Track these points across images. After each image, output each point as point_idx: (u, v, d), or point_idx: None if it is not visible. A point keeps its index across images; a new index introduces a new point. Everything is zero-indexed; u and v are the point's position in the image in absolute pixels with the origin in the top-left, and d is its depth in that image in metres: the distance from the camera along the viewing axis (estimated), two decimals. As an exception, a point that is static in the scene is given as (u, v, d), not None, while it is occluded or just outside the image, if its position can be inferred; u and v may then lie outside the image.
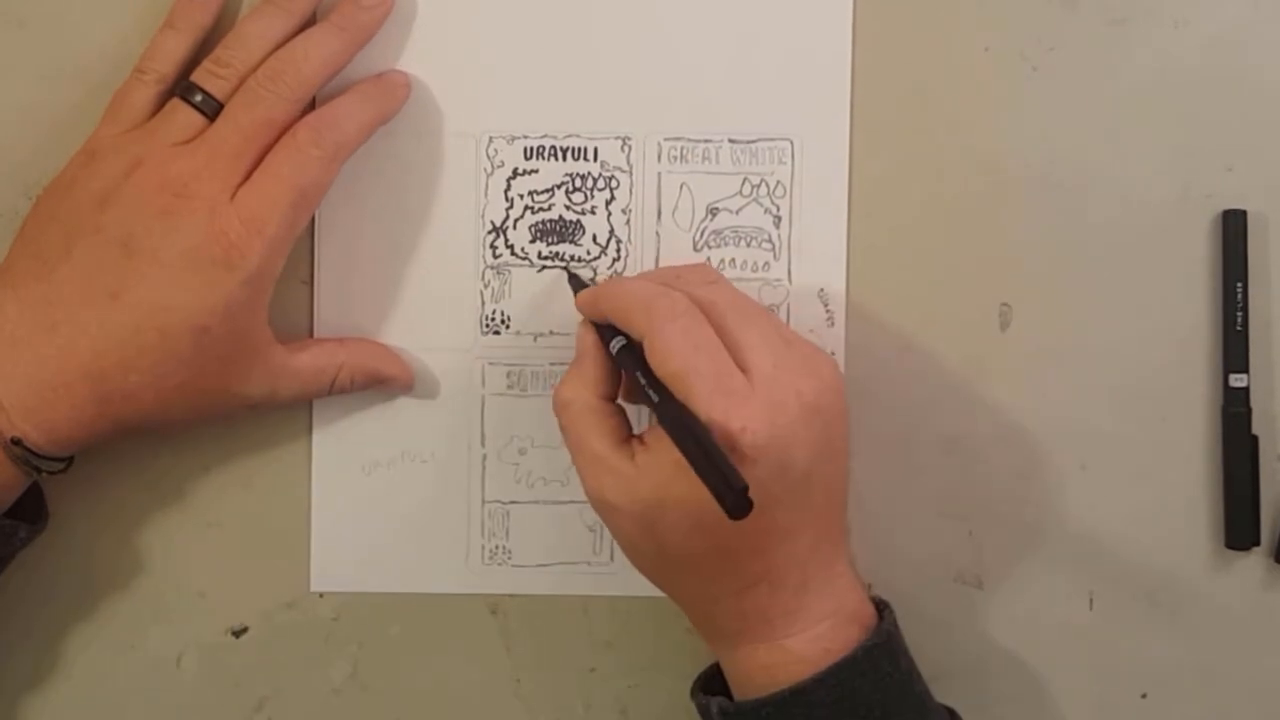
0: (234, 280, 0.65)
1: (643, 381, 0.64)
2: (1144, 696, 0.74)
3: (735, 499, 0.58)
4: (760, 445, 0.61)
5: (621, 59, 0.72)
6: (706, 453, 0.59)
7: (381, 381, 0.71)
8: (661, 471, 0.62)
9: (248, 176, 0.66)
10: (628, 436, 0.66)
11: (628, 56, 0.72)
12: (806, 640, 0.65)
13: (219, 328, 0.65)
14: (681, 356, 0.62)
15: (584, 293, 0.68)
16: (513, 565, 0.73)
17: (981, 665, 0.74)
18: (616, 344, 0.66)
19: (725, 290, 0.66)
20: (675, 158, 0.72)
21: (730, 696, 0.68)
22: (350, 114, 0.68)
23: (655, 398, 0.63)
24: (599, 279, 0.72)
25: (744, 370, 0.63)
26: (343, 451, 0.73)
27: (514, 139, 0.72)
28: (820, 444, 0.64)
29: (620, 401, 0.67)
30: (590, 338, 0.67)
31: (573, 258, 0.72)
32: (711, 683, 0.69)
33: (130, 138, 0.67)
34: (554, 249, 0.72)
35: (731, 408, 0.61)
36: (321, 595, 0.74)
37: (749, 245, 0.72)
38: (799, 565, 0.65)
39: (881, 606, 0.68)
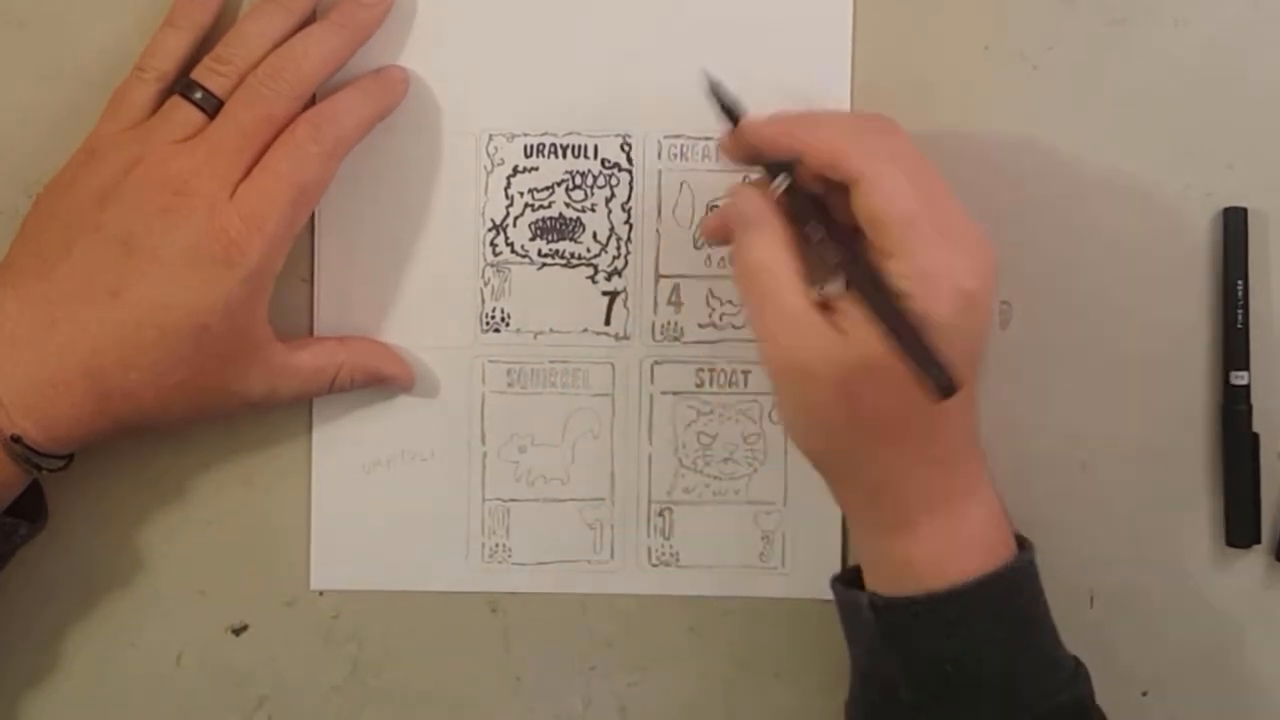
0: (234, 278, 0.65)
1: (822, 234, 0.62)
2: (1144, 695, 0.74)
3: (942, 382, 0.58)
4: (981, 294, 0.61)
5: (622, 57, 0.72)
6: (910, 326, 0.58)
7: (382, 380, 0.71)
8: (868, 334, 0.60)
9: (247, 174, 0.66)
10: (815, 302, 0.63)
11: (628, 54, 0.72)
12: (978, 524, 0.64)
13: (219, 325, 0.65)
14: (910, 200, 0.60)
15: (762, 125, 0.65)
16: (513, 563, 0.73)
17: (982, 665, 0.73)
18: (782, 182, 0.63)
19: (909, 143, 0.64)
20: (675, 155, 0.72)
21: None
22: (349, 110, 0.68)
23: (850, 255, 0.61)
24: (608, 271, 0.72)
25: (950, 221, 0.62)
26: (343, 450, 0.73)
27: (514, 136, 0.72)
28: (995, 302, 0.64)
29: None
30: (760, 195, 0.63)
31: (573, 255, 0.72)
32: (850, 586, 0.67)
33: (130, 135, 0.67)
34: (554, 247, 0.72)
35: (955, 253, 0.60)
36: (321, 593, 0.74)
37: (749, 243, 0.72)
38: (973, 437, 0.65)
39: (1021, 543, 0.67)
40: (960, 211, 0.62)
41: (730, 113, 0.66)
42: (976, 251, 0.61)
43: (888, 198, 0.61)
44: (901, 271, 0.60)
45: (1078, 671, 0.66)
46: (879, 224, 0.61)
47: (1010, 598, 0.64)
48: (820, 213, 0.62)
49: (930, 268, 0.60)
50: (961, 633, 0.63)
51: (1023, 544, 0.67)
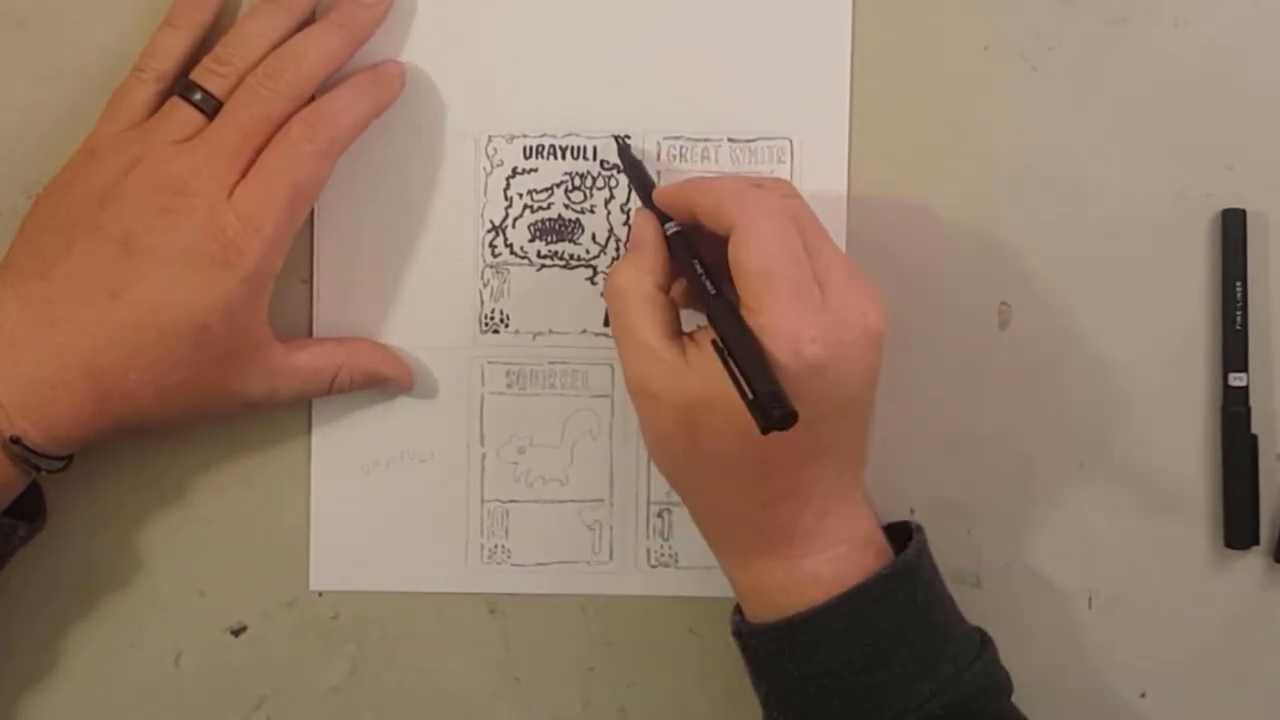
0: (233, 278, 0.65)
1: (699, 270, 0.64)
2: (1144, 696, 0.74)
3: (770, 415, 0.58)
4: (825, 359, 0.61)
5: (621, 58, 0.72)
6: (751, 359, 0.60)
7: (381, 381, 0.71)
8: (713, 368, 0.61)
9: (246, 174, 0.66)
10: (679, 331, 0.65)
11: (627, 55, 0.72)
12: (824, 562, 0.65)
13: (218, 326, 0.65)
14: (770, 255, 0.62)
15: (667, 186, 0.68)
16: (512, 564, 0.73)
17: (981, 665, 0.73)
18: (671, 228, 0.66)
19: (803, 205, 0.66)
20: (675, 156, 0.72)
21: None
22: (344, 108, 0.68)
23: (711, 290, 0.63)
24: (607, 272, 0.72)
25: (818, 285, 0.63)
26: (342, 450, 0.73)
27: (513, 138, 0.72)
28: (870, 371, 0.64)
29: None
30: (651, 226, 0.67)
31: (572, 256, 0.72)
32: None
33: (130, 136, 0.67)
34: (553, 248, 0.72)
35: (807, 315, 0.61)
36: (320, 594, 0.74)
37: (748, 244, 0.72)
38: (824, 487, 0.65)
39: (913, 530, 0.68)
40: (844, 280, 0.63)
41: (640, 182, 0.69)
42: (840, 324, 0.62)
43: (749, 250, 0.62)
44: (754, 325, 0.62)
45: (962, 672, 0.66)
46: (739, 274, 0.62)
47: (868, 610, 0.65)
48: (698, 250, 0.65)
49: (773, 325, 0.61)
50: (818, 656, 0.65)
51: (907, 540, 0.67)
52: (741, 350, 0.61)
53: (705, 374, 0.62)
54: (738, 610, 0.68)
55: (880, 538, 0.67)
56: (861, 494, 0.68)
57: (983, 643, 0.68)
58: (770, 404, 0.59)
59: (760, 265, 0.62)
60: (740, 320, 0.62)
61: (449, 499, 0.73)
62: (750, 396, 0.59)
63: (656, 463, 0.67)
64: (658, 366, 0.64)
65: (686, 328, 0.66)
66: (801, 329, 0.61)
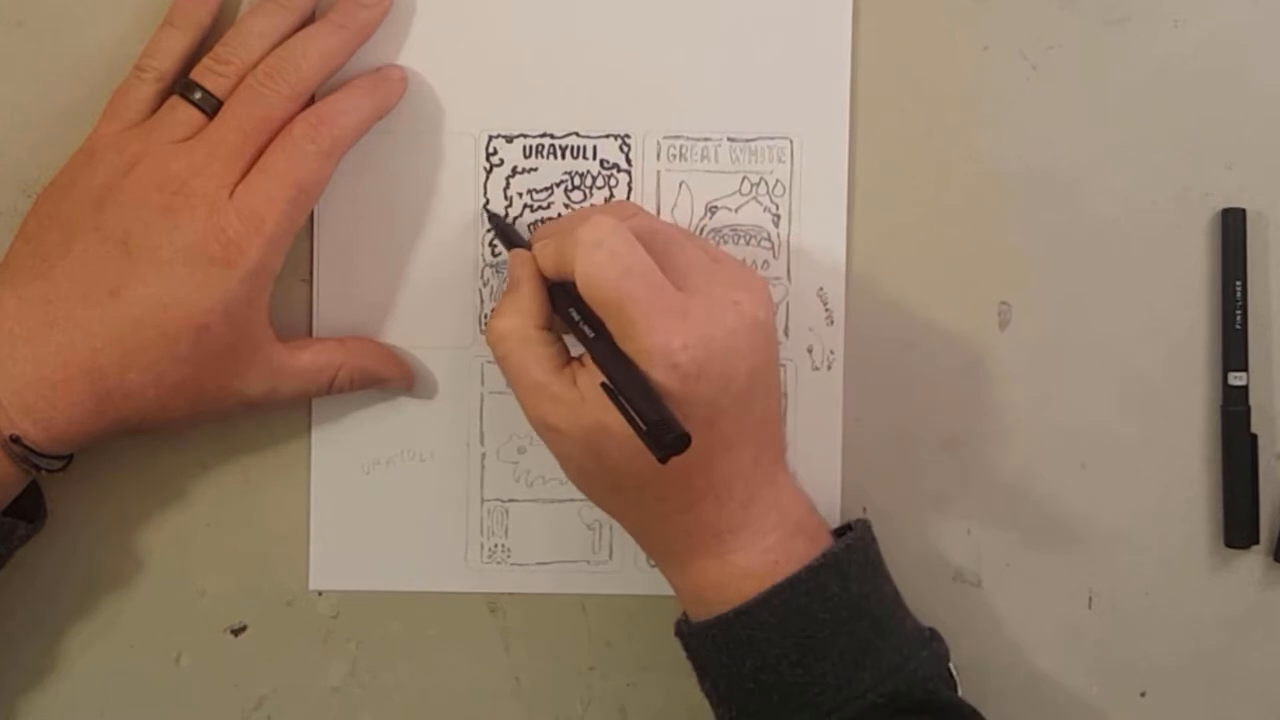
0: (233, 278, 0.65)
1: (576, 318, 0.64)
2: (1143, 696, 0.74)
3: (663, 444, 0.59)
4: (702, 359, 0.62)
5: (621, 58, 0.72)
6: (633, 393, 0.60)
7: (381, 381, 0.71)
8: (604, 397, 0.62)
9: (246, 174, 0.66)
10: (567, 360, 0.66)
11: (627, 55, 0.72)
12: (755, 554, 0.66)
13: (218, 325, 0.65)
14: (612, 284, 0.62)
15: (522, 253, 0.68)
16: (512, 564, 0.73)
17: (981, 665, 0.73)
18: (553, 289, 0.66)
19: (646, 218, 0.67)
20: (674, 156, 0.72)
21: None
22: (346, 109, 0.68)
23: (590, 334, 0.63)
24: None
25: (679, 289, 0.63)
26: (342, 450, 0.73)
27: (513, 137, 0.72)
28: (758, 354, 0.64)
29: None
30: (525, 268, 0.67)
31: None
32: None
33: (130, 135, 0.67)
34: (553, 247, 0.72)
35: (671, 326, 0.62)
36: (320, 594, 0.74)
37: (748, 244, 0.72)
38: (743, 478, 0.66)
39: (854, 525, 0.68)
40: (704, 275, 0.64)
41: (510, 241, 0.70)
42: (708, 321, 0.63)
43: (592, 287, 0.63)
44: (626, 351, 0.62)
45: (907, 660, 0.66)
46: (596, 311, 0.63)
47: (801, 601, 0.65)
48: (570, 289, 0.64)
49: (643, 346, 0.62)
50: (754, 651, 0.65)
51: (845, 530, 0.68)
52: (624, 386, 0.61)
53: (598, 401, 0.62)
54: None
55: (814, 521, 0.68)
56: (787, 476, 0.68)
57: (932, 638, 0.68)
58: (661, 432, 0.59)
59: (607, 297, 0.62)
60: (617, 355, 0.62)
61: (449, 498, 0.73)
62: (642, 430, 0.60)
63: (578, 488, 0.68)
64: (552, 403, 0.64)
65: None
66: (669, 340, 0.61)
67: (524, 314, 0.66)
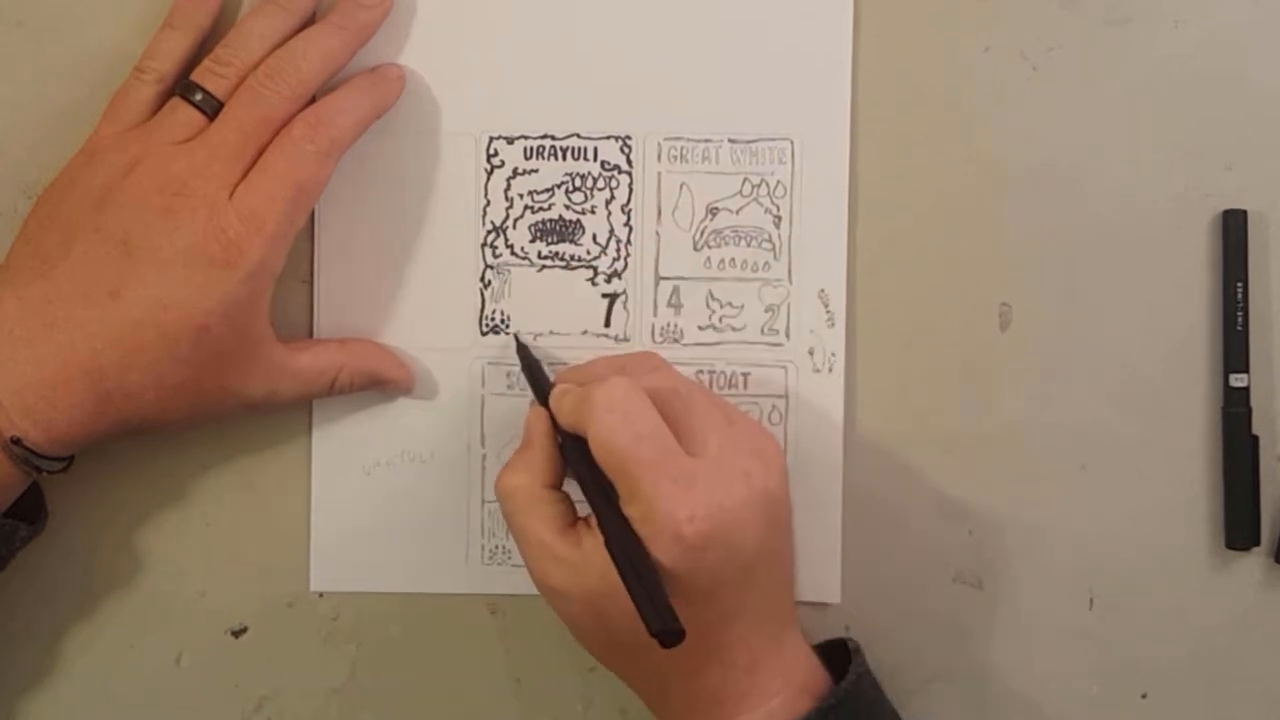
0: (233, 279, 0.65)
1: (587, 477, 0.64)
2: (1144, 696, 0.74)
3: (665, 633, 0.59)
4: (709, 532, 0.61)
5: (622, 59, 0.72)
6: (642, 579, 0.60)
7: (382, 383, 0.71)
8: (607, 563, 0.62)
9: (247, 175, 0.66)
10: (573, 520, 0.65)
11: (628, 56, 0.72)
12: (758, 718, 0.65)
13: (219, 326, 0.65)
14: (623, 447, 0.62)
15: (539, 410, 0.67)
16: (512, 565, 0.73)
17: (981, 665, 0.73)
18: (565, 440, 0.66)
19: (667, 375, 0.67)
20: (675, 157, 0.72)
21: None
22: (345, 109, 0.68)
23: (599, 496, 0.63)
24: (608, 273, 0.72)
25: (690, 454, 0.63)
26: (343, 451, 0.73)
27: (514, 139, 0.72)
28: (768, 524, 0.63)
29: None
30: (541, 425, 0.66)
31: (573, 257, 0.72)
32: None
33: (130, 137, 0.67)
34: (554, 249, 0.72)
35: (678, 495, 0.61)
36: (321, 595, 0.74)
37: (749, 245, 0.72)
38: (746, 645, 0.65)
39: (851, 654, 0.67)
40: (718, 443, 0.63)
41: (536, 383, 0.70)
42: (716, 491, 0.62)
43: (602, 450, 0.62)
44: (631, 515, 0.62)
45: None
46: (609, 474, 0.63)
47: None
48: (583, 448, 0.64)
49: (649, 514, 0.61)
50: None
51: (846, 665, 0.67)
52: (627, 563, 0.61)
53: (602, 566, 0.62)
54: None
55: (818, 678, 0.67)
56: (795, 636, 0.67)
57: None
58: (655, 624, 0.59)
59: (617, 461, 0.62)
60: (624, 527, 0.62)
61: (449, 500, 0.73)
62: (642, 609, 0.60)
63: (584, 647, 0.67)
64: (555, 564, 0.64)
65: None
66: (676, 510, 0.61)
67: (533, 472, 0.65)
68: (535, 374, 0.70)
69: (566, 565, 0.63)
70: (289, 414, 0.73)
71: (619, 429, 0.62)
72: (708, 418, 0.64)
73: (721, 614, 0.63)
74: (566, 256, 0.72)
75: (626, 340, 0.72)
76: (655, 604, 0.59)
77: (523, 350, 0.71)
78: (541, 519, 0.64)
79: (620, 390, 0.63)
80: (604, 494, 0.63)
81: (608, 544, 0.62)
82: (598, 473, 0.63)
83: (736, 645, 0.65)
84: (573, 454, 0.65)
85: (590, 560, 0.63)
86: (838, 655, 0.68)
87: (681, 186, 0.72)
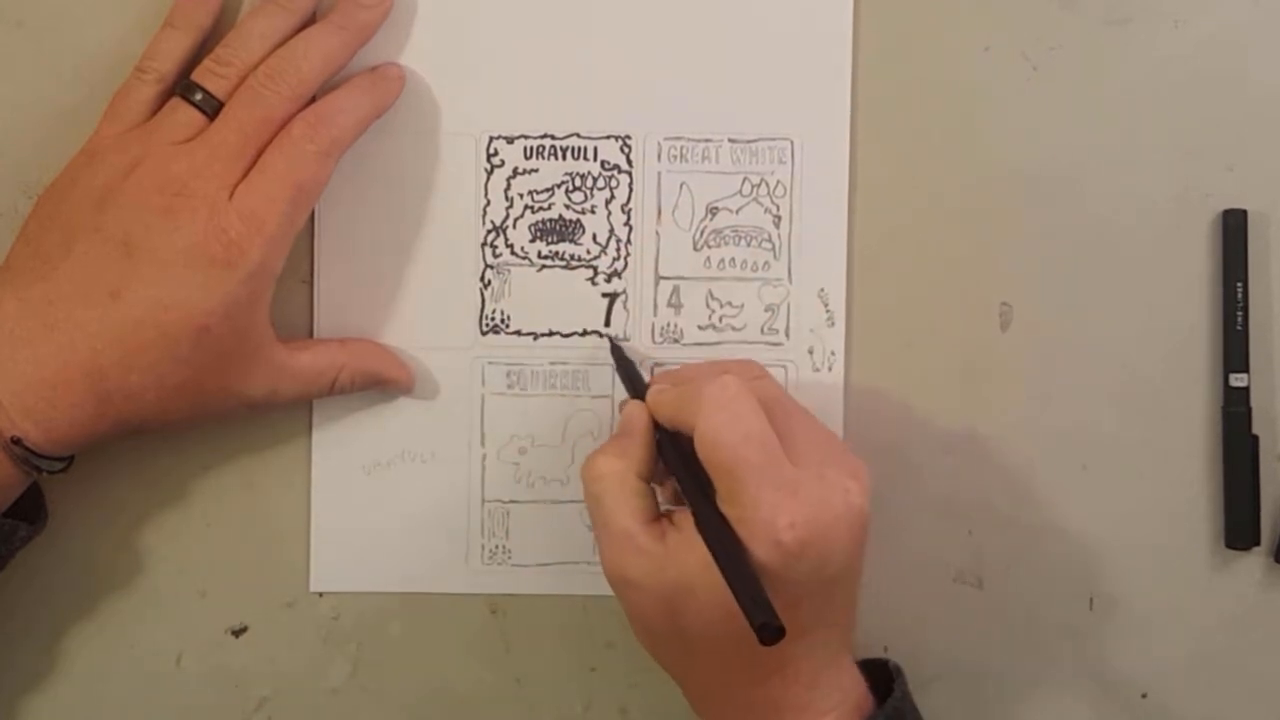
0: (234, 279, 0.65)
1: (684, 477, 0.64)
2: (1144, 696, 0.74)
3: (767, 627, 0.58)
4: (805, 541, 0.61)
5: (622, 59, 0.72)
6: (740, 572, 0.60)
7: (382, 382, 0.71)
8: (692, 555, 0.62)
9: (247, 175, 0.66)
10: (657, 515, 0.65)
11: (628, 56, 0.72)
12: None
13: (219, 327, 0.65)
14: (731, 446, 0.62)
15: (649, 405, 0.67)
16: (513, 565, 0.73)
17: (981, 665, 0.73)
18: (662, 436, 0.66)
19: (771, 385, 0.67)
20: (675, 157, 0.72)
21: None
22: (344, 108, 0.68)
23: (697, 498, 0.63)
24: (608, 272, 0.72)
25: (793, 463, 0.62)
26: (342, 451, 0.73)
27: (514, 138, 0.72)
28: (854, 544, 0.63)
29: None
30: (643, 417, 0.66)
31: (573, 257, 0.72)
32: None
33: (130, 137, 0.67)
34: (554, 248, 0.72)
35: (780, 501, 0.61)
36: (321, 595, 0.74)
37: (749, 245, 0.72)
38: (812, 658, 0.65)
39: (894, 674, 0.68)
40: (819, 456, 0.63)
41: (632, 382, 0.70)
42: (815, 503, 0.62)
43: (710, 448, 0.62)
44: (729, 516, 0.62)
45: None
46: (710, 472, 0.62)
47: None
48: (683, 444, 0.64)
49: (748, 516, 0.61)
50: None
51: (892, 684, 0.67)
52: (725, 558, 0.61)
53: (685, 561, 0.62)
54: None
55: (866, 699, 0.67)
56: (849, 658, 0.67)
57: None
58: (759, 617, 0.59)
59: (723, 461, 0.62)
60: (722, 523, 0.61)
61: (450, 500, 0.73)
62: (745, 605, 0.59)
63: (643, 645, 0.67)
64: (636, 555, 0.63)
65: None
66: (777, 517, 0.61)
67: (629, 460, 0.65)
68: (630, 372, 0.70)
69: (648, 558, 0.63)
70: (289, 414, 0.73)
71: (727, 427, 0.62)
72: (809, 431, 0.64)
73: (799, 626, 0.63)
74: (566, 256, 0.72)
75: (626, 340, 0.72)
76: (757, 599, 0.59)
77: (617, 350, 0.71)
78: (630, 508, 0.64)
79: (732, 389, 0.63)
80: (702, 490, 0.63)
81: (706, 539, 0.61)
82: (697, 469, 0.63)
83: (803, 659, 0.64)
84: (670, 449, 0.65)
85: (674, 555, 0.62)
86: (876, 674, 0.68)
87: (681, 186, 0.72)
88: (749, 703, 0.65)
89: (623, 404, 0.69)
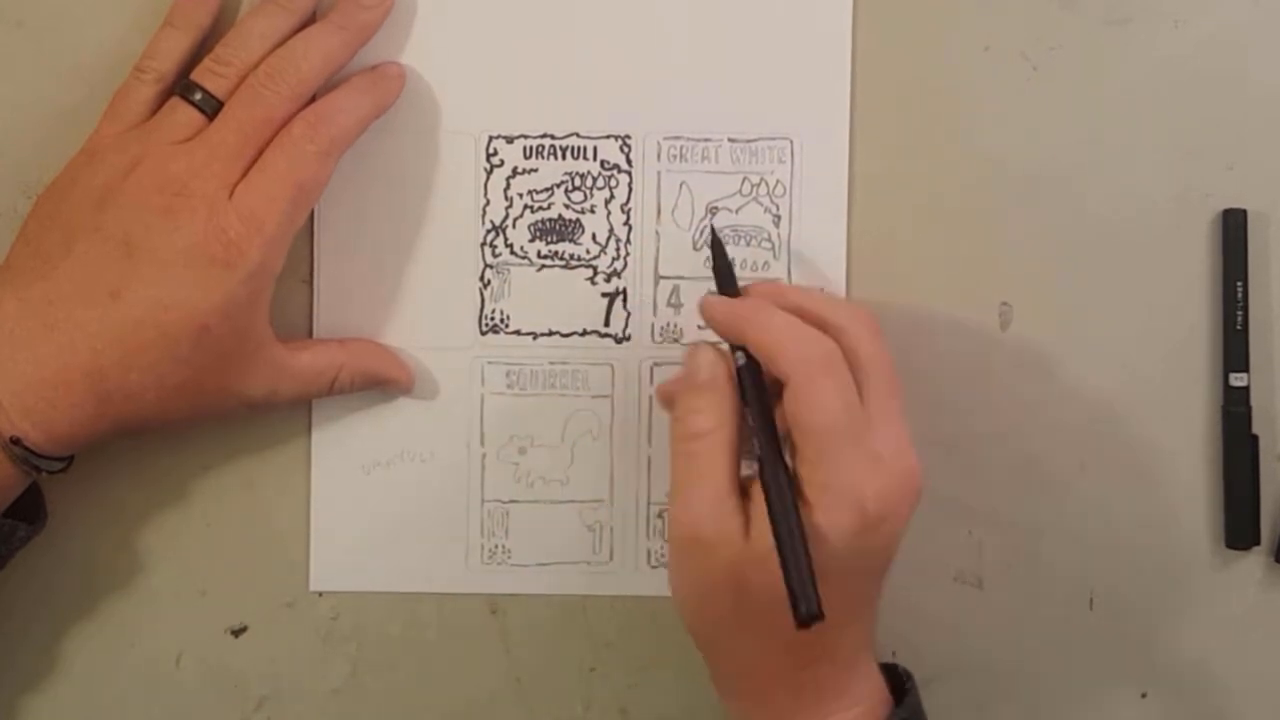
0: (234, 279, 0.65)
1: (753, 422, 0.63)
2: (1144, 696, 0.74)
3: (800, 614, 0.58)
4: (884, 514, 0.61)
5: (621, 58, 0.72)
6: (797, 549, 0.60)
7: (381, 382, 0.71)
8: (769, 530, 0.61)
9: (246, 175, 0.66)
10: (741, 481, 0.64)
11: (628, 56, 0.72)
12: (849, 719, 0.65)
13: (219, 326, 0.65)
14: (831, 413, 0.61)
15: (721, 306, 0.66)
16: (512, 565, 0.73)
17: (981, 665, 0.73)
18: (740, 357, 0.64)
19: (879, 349, 0.64)
20: (675, 156, 0.72)
21: None
22: (344, 108, 0.68)
23: (773, 455, 0.62)
24: (608, 272, 0.72)
25: (873, 435, 0.62)
26: (342, 451, 0.73)
27: (514, 138, 0.72)
28: (907, 525, 0.64)
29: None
30: (719, 360, 0.65)
31: (572, 256, 0.72)
32: None
33: (130, 136, 0.67)
34: (553, 248, 0.72)
35: (867, 473, 0.61)
36: (320, 595, 0.74)
37: (748, 244, 0.72)
38: (854, 644, 0.65)
39: (904, 678, 0.68)
40: (896, 433, 0.63)
41: (722, 277, 0.67)
42: (895, 476, 0.62)
43: (808, 407, 0.61)
44: (809, 479, 0.61)
45: None
46: (798, 430, 0.62)
47: None
48: (765, 397, 0.63)
49: (835, 482, 0.61)
50: None
51: (905, 684, 0.67)
52: (789, 533, 0.60)
53: (762, 534, 0.61)
54: None
55: (886, 695, 0.67)
56: (872, 651, 0.67)
57: None
58: (798, 599, 0.59)
59: (821, 424, 0.61)
60: (792, 498, 0.61)
61: (449, 499, 0.73)
62: (791, 587, 0.59)
63: (686, 618, 0.65)
64: (720, 519, 0.62)
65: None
66: (865, 486, 0.61)
67: (730, 414, 0.64)
68: (723, 269, 0.68)
69: (730, 523, 0.62)
70: (289, 414, 0.73)
71: (830, 396, 0.61)
72: (899, 408, 0.64)
73: (856, 604, 0.63)
74: (566, 256, 0.72)
75: (626, 340, 0.73)
76: (804, 577, 0.59)
77: (716, 243, 0.68)
78: (725, 469, 0.63)
79: (837, 356, 0.62)
80: (777, 447, 0.62)
81: (771, 507, 0.61)
82: (772, 422, 0.62)
83: (849, 645, 0.65)
84: (754, 391, 0.63)
85: (754, 521, 0.62)
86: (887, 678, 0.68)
87: (681, 186, 0.72)
88: (796, 685, 0.65)
89: (691, 347, 0.66)
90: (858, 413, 0.62)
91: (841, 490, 0.61)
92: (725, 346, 0.65)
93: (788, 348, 0.63)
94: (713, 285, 0.72)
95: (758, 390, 0.64)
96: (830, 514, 0.61)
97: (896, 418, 0.64)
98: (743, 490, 0.63)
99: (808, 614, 0.59)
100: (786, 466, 0.62)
